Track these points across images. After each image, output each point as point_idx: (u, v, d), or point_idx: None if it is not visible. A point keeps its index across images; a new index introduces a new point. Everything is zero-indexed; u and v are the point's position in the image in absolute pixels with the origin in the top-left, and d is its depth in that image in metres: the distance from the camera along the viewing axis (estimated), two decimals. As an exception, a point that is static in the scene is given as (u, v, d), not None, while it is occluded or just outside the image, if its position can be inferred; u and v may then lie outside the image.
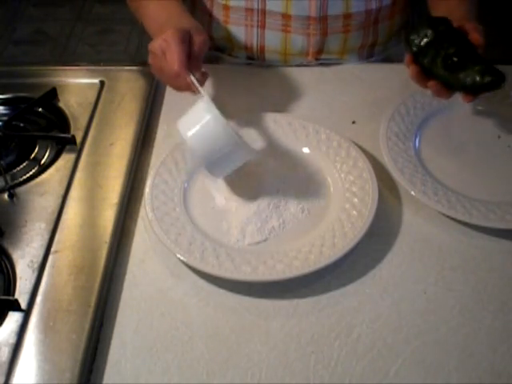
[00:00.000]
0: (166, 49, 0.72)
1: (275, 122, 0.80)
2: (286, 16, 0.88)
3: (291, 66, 0.93)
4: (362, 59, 0.96)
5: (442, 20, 0.73)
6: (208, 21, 0.94)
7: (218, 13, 0.92)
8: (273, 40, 0.91)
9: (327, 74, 0.92)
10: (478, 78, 0.68)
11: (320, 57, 0.93)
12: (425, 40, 0.72)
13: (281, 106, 0.87)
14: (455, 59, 0.69)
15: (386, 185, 0.74)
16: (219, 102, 0.75)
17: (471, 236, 0.70)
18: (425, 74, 0.73)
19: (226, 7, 0.90)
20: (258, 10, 0.88)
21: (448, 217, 0.71)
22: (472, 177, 0.75)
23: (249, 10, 0.88)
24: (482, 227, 0.69)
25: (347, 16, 0.88)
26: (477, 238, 0.69)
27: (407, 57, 0.74)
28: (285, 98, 0.88)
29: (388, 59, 0.98)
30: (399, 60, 1.00)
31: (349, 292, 0.65)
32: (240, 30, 0.92)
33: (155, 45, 0.73)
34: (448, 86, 0.71)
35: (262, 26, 0.90)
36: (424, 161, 0.77)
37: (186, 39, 0.73)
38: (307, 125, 0.80)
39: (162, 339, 0.61)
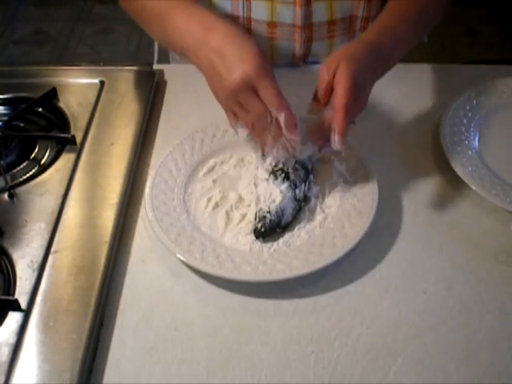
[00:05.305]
0: (257, 84, 0.63)
1: (275, 122, 0.80)
2: (271, 24, 0.88)
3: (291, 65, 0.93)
4: None
5: None
6: None
7: None
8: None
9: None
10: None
11: (307, 60, 0.94)
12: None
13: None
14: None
15: (387, 185, 0.74)
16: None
17: (471, 236, 0.70)
18: None
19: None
20: (243, 17, 0.87)
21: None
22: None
23: (234, 17, 0.88)
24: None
25: (332, 23, 0.89)
26: (477, 237, 0.69)
27: None
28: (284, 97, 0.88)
29: None
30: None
31: (349, 292, 0.65)
32: None
33: (237, 77, 0.62)
34: None
35: (248, 32, 0.89)
36: (484, 157, 0.77)
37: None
38: (307, 125, 0.79)
39: (162, 339, 0.61)
